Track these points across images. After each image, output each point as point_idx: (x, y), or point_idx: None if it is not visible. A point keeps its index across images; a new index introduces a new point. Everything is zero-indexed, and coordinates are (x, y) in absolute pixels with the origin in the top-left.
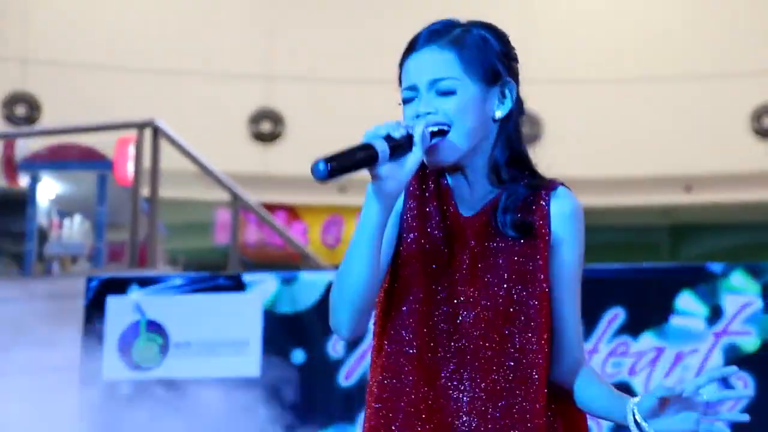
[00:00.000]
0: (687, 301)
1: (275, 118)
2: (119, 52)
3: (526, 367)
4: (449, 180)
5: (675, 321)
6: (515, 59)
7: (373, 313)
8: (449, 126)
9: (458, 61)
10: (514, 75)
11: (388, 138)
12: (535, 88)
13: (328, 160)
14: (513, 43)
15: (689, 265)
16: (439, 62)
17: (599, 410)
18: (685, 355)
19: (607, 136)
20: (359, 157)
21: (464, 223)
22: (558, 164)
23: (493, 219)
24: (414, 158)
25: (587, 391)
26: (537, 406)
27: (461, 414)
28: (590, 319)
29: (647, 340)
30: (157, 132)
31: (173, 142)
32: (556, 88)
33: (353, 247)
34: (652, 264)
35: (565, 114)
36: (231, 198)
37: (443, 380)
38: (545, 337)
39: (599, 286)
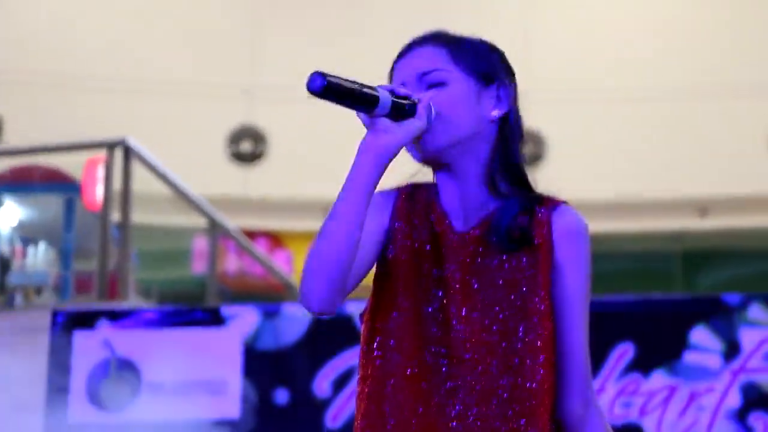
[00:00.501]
0: (701, 335)
1: (256, 137)
2: (88, 65)
3: (522, 390)
4: (441, 193)
5: (689, 357)
6: (513, 74)
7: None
8: (436, 115)
9: (450, 55)
10: (512, 85)
11: (392, 93)
12: (537, 105)
13: (327, 75)
14: (515, 58)
15: (703, 296)
16: (429, 56)
17: None
18: (700, 394)
19: (615, 157)
20: (359, 90)
21: (457, 237)
22: (562, 186)
23: (488, 233)
24: (416, 123)
25: None
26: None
27: None
28: (597, 356)
29: (659, 377)
30: (128, 152)
31: (146, 163)
32: (560, 106)
33: (337, 206)
34: (664, 295)
35: (570, 133)
36: (209, 224)
37: (434, 404)
38: (545, 357)
39: (606, 320)
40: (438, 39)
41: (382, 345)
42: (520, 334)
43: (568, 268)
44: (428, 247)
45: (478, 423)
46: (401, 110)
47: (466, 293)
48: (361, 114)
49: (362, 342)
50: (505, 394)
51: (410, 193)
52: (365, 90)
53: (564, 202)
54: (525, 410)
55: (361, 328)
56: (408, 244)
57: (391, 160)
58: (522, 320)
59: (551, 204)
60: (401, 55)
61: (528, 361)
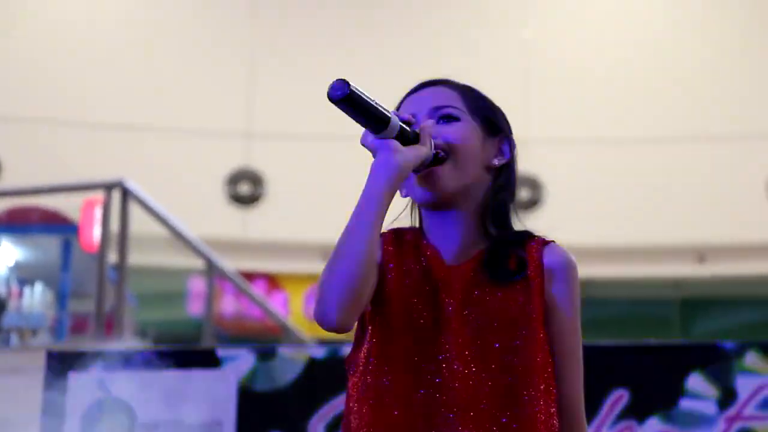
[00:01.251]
0: (697, 382)
1: (255, 179)
2: (86, 107)
3: (523, 420)
4: (432, 232)
5: (684, 404)
6: (511, 132)
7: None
8: (447, 154)
9: (462, 98)
10: (514, 143)
11: (397, 117)
12: (535, 149)
13: (351, 84)
14: (513, 104)
15: (699, 342)
16: (443, 95)
17: None
18: None
19: (614, 202)
20: (375, 107)
21: (450, 273)
22: (559, 231)
23: (482, 267)
24: (423, 148)
25: None
26: None
27: None
28: (591, 402)
29: (654, 424)
30: (126, 193)
31: (143, 204)
32: (558, 150)
33: (353, 220)
34: (659, 341)
35: (568, 178)
36: (206, 265)
37: None
38: (542, 387)
39: (601, 365)
40: (450, 83)
41: (377, 386)
42: (516, 363)
43: (558, 304)
44: (421, 283)
45: None
46: (406, 134)
47: (461, 325)
48: (369, 136)
49: (357, 373)
50: (503, 425)
51: (396, 235)
52: (380, 110)
53: (552, 241)
54: None
55: (350, 365)
56: (399, 279)
57: (402, 180)
58: (518, 351)
59: (541, 241)
60: (412, 92)
61: (524, 388)
